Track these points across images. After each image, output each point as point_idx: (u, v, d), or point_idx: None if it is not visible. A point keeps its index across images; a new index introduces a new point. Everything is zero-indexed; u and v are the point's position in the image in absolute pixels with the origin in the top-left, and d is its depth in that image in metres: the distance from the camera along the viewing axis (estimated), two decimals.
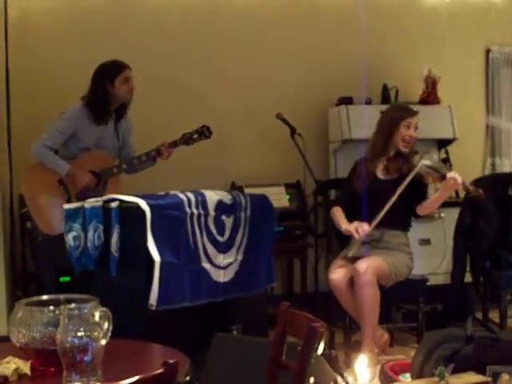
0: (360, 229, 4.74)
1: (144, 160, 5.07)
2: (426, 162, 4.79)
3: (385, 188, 4.83)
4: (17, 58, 5.67)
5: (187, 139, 5.08)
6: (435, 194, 4.82)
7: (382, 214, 4.73)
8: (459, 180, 4.61)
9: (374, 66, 6.51)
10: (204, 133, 5.09)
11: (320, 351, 2.35)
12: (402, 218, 4.98)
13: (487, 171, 7.18)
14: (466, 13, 7.15)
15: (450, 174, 4.64)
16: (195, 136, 5.08)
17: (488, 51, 7.26)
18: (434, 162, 4.89)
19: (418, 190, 4.83)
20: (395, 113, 5.06)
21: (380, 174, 4.98)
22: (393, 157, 4.96)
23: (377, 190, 4.87)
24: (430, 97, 6.63)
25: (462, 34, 7.09)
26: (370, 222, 4.79)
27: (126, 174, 5.23)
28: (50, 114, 5.63)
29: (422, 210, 4.87)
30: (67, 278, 5.04)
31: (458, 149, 6.71)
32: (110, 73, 5.04)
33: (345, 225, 4.87)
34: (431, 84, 6.64)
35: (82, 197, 4.79)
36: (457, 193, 6.55)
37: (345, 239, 5.09)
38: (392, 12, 6.93)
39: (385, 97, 6.55)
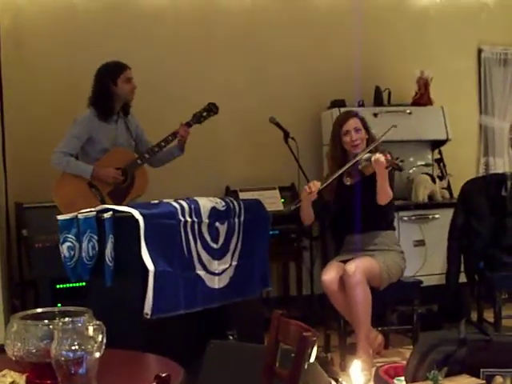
0: (311, 184, 4.82)
1: (163, 146, 5.19)
2: (364, 156, 4.84)
3: (353, 193, 4.86)
4: (10, 69, 5.69)
5: (198, 118, 5.29)
6: (377, 180, 4.81)
7: (336, 175, 4.84)
8: (381, 159, 4.62)
9: (367, 68, 6.53)
10: (212, 109, 5.34)
11: (312, 359, 2.38)
12: (379, 218, 5.01)
13: (481, 171, 7.21)
14: (458, 13, 7.18)
15: (372, 158, 4.68)
16: (205, 114, 5.31)
17: (480, 51, 7.29)
18: (372, 153, 4.90)
19: (371, 185, 4.84)
20: (334, 125, 5.14)
21: (346, 182, 5.00)
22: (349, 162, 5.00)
23: (345, 196, 4.93)
24: (422, 98, 6.65)
25: (453, 34, 7.12)
26: (355, 231, 4.94)
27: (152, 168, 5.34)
28: (45, 122, 5.69)
29: (378, 199, 4.83)
30: (63, 286, 5.13)
31: (452, 149, 6.74)
32: (112, 73, 5.14)
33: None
34: (423, 85, 6.67)
35: (114, 195, 5.00)
36: (451, 193, 6.59)
37: (340, 241, 5.14)
38: (384, 14, 6.95)
39: (377, 99, 6.57)
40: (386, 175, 4.72)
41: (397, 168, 4.79)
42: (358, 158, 4.84)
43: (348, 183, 4.95)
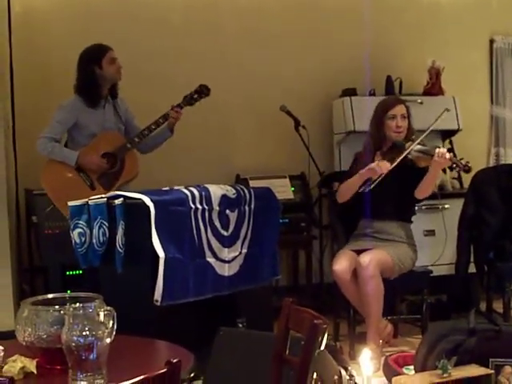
0: (382, 165, 4.79)
1: (153, 128, 5.07)
2: (416, 147, 4.82)
3: (384, 179, 4.85)
4: (20, 53, 5.68)
5: (189, 99, 5.18)
6: (427, 174, 4.80)
7: (399, 159, 4.78)
8: (447, 155, 4.59)
9: (378, 57, 6.52)
10: (203, 91, 5.21)
11: (323, 347, 2.37)
12: (404, 209, 5.02)
13: (492, 161, 7.19)
14: (470, 3, 7.15)
15: (437, 150, 4.63)
16: (195, 96, 5.19)
17: (492, 41, 7.26)
18: (425, 145, 4.88)
19: (415, 177, 4.83)
20: (379, 107, 5.10)
21: None
22: (388, 148, 4.98)
23: (379, 179, 4.88)
24: (433, 88, 6.63)
25: (465, 24, 7.09)
26: (372, 216, 4.92)
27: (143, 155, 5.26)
28: (55, 107, 5.65)
29: (418, 192, 4.85)
30: (73, 272, 5.14)
31: (463, 139, 6.72)
32: (95, 56, 5.05)
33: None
34: (435, 75, 6.64)
35: (104, 180, 4.95)
36: (461, 183, 6.57)
37: (349, 230, 5.13)
38: (395, 3, 6.93)
39: (389, 88, 6.54)
40: (440, 172, 4.70)
41: (463, 169, 4.69)
42: (411, 148, 4.81)
43: None
